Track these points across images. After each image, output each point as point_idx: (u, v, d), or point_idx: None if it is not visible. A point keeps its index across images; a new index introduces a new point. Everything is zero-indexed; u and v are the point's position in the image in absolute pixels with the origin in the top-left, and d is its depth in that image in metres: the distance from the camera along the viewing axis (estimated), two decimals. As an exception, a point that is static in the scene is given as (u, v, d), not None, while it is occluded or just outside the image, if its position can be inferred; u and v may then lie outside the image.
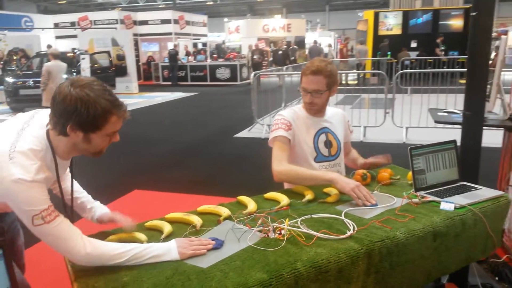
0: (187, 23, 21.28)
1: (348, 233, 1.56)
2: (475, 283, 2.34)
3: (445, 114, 2.86)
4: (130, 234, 1.59)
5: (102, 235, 1.61)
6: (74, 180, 1.70)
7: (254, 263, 1.39)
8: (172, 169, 5.79)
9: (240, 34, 23.87)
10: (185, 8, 31.43)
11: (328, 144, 2.27)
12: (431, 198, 1.89)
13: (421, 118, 6.91)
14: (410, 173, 2.03)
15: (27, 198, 1.31)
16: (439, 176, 2.04)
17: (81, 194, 1.79)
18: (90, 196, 1.82)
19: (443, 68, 12.20)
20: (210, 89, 16.02)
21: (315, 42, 19.14)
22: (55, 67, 8.14)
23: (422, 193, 1.94)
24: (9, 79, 10.82)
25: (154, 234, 1.63)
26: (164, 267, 1.39)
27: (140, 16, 20.43)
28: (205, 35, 23.86)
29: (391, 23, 16.97)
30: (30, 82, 10.42)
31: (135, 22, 19.99)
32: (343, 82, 14.17)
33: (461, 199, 1.86)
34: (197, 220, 1.70)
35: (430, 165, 2.02)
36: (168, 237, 1.59)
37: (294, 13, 38.32)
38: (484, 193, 1.94)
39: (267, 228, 1.59)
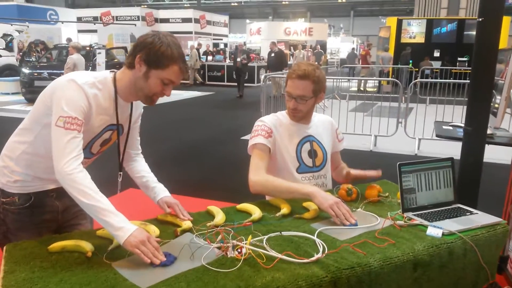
0: (208, 22, 21.30)
1: (315, 257, 1.38)
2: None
3: (450, 128, 2.65)
4: (75, 242, 1.45)
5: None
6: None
7: (201, 286, 1.24)
8: (172, 169, 5.66)
9: (261, 36, 23.71)
10: (210, 8, 31.49)
11: (312, 153, 2.08)
12: (418, 221, 1.69)
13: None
14: (400, 192, 1.83)
15: (68, 97, 1.46)
16: (431, 196, 1.84)
17: (148, 174, 1.86)
18: (155, 178, 1.86)
19: (467, 80, 11.79)
20: (226, 89, 15.90)
21: (353, 49, 20.09)
22: (80, 60, 8.24)
23: (410, 214, 1.75)
24: (26, 70, 10.90)
25: (104, 243, 1.49)
26: (100, 284, 1.24)
27: (162, 13, 20.52)
28: (225, 36, 23.83)
29: (414, 31, 16.57)
30: (45, 73, 10.48)
31: (156, 20, 20.10)
32: (361, 88, 13.87)
33: (452, 225, 1.66)
34: (152, 231, 1.55)
35: (422, 184, 1.82)
36: (117, 248, 1.44)
37: (318, 17, 38.03)
38: (480, 219, 1.73)
39: (226, 245, 1.43)
